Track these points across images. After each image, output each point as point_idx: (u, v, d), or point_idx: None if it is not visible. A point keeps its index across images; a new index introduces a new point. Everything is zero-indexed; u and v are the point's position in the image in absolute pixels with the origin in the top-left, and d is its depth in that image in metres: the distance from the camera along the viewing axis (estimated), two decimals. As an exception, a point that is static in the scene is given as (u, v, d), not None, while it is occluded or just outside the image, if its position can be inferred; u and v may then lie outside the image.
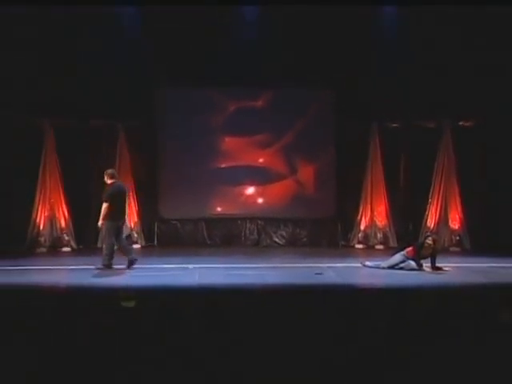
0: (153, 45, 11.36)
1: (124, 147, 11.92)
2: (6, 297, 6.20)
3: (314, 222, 12.33)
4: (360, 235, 12.05)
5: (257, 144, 12.27)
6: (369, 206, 11.99)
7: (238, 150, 12.31)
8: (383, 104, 11.55)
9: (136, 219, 12.01)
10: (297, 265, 9.45)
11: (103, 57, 11.07)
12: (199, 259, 9.83)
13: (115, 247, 8.69)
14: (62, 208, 11.55)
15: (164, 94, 12.16)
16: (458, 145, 11.81)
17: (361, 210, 12.05)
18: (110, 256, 8.60)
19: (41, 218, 11.40)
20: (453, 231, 11.82)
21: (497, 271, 8.78)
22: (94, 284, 7.66)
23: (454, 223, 11.82)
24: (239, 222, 12.41)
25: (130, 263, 8.62)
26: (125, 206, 8.99)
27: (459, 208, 11.79)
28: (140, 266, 8.88)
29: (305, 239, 12.35)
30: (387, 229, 11.93)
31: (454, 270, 8.73)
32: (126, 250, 8.76)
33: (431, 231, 11.21)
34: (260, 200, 12.40)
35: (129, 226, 11.77)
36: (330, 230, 12.26)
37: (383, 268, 8.74)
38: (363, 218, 12.03)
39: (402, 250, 8.87)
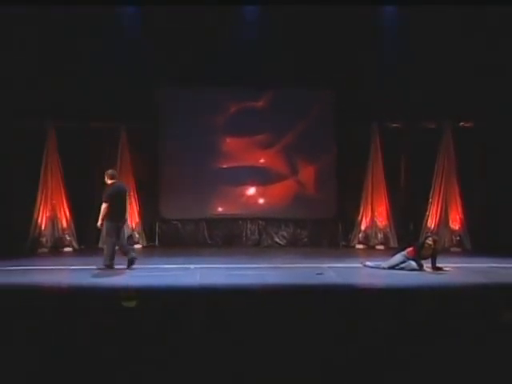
0: (155, 45, 11.36)
1: (125, 147, 11.92)
2: (7, 297, 6.22)
3: (314, 222, 12.33)
4: (361, 235, 12.05)
5: (258, 144, 12.28)
6: (369, 207, 11.99)
7: (238, 151, 12.31)
8: (384, 104, 11.55)
9: (137, 219, 12.02)
10: (297, 265, 9.45)
11: (104, 57, 11.09)
12: (200, 259, 9.83)
13: (116, 247, 8.71)
14: (63, 208, 11.57)
15: (165, 94, 12.15)
16: (458, 145, 11.81)
17: (361, 211, 12.04)
18: (111, 256, 8.62)
19: (42, 219, 11.42)
20: (453, 231, 11.82)
21: (497, 271, 8.78)
22: (96, 284, 7.68)
23: (455, 223, 11.83)
24: (240, 222, 12.40)
25: (130, 262, 8.63)
26: (125, 207, 9.00)
27: (460, 208, 11.79)
28: (141, 266, 8.90)
29: (306, 239, 12.35)
30: (388, 229, 11.94)
31: (455, 270, 8.73)
32: (125, 250, 8.76)
33: (431, 232, 11.23)
34: (261, 200, 12.40)
35: (130, 226, 11.80)
36: (330, 231, 12.26)
37: (384, 268, 8.74)
38: (364, 219, 12.02)
39: (403, 250, 8.88)
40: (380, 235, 11.95)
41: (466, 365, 3.86)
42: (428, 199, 11.92)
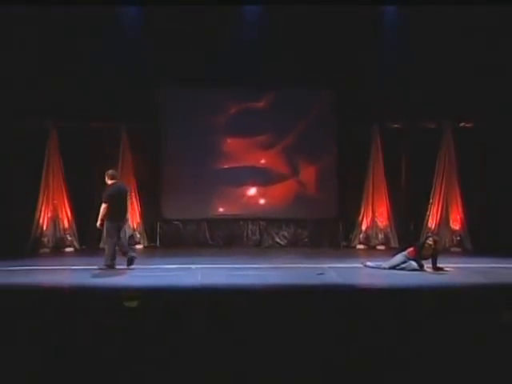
0: (155, 45, 11.36)
1: (126, 148, 11.94)
2: (9, 297, 6.24)
3: (315, 222, 12.33)
4: (361, 236, 12.05)
5: (258, 145, 12.29)
6: (370, 207, 11.99)
7: (239, 151, 12.32)
8: (384, 104, 11.56)
9: (138, 220, 12.03)
10: (298, 265, 9.46)
11: (104, 57, 11.09)
12: (201, 259, 9.83)
13: (116, 247, 8.74)
14: (65, 209, 11.59)
15: (165, 94, 12.16)
16: (458, 145, 11.82)
17: (362, 211, 12.05)
18: (113, 256, 8.64)
19: (44, 219, 11.44)
20: (454, 232, 11.83)
21: (497, 271, 8.78)
22: (97, 284, 7.69)
23: (455, 224, 11.83)
24: (241, 222, 12.41)
25: (129, 262, 8.64)
26: (125, 207, 9.01)
27: (460, 209, 11.80)
28: (142, 266, 8.93)
29: (306, 240, 12.35)
30: (388, 229, 11.95)
31: (455, 270, 8.74)
32: (124, 250, 8.77)
33: (432, 232, 11.24)
34: (262, 201, 12.41)
35: (131, 226, 11.83)
36: (331, 231, 12.26)
37: (384, 268, 8.76)
38: (364, 219, 12.03)
39: (404, 250, 8.89)
40: (381, 235, 11.96)
41: (466, 365, 3.86)
42: (428, 199, 11.92)
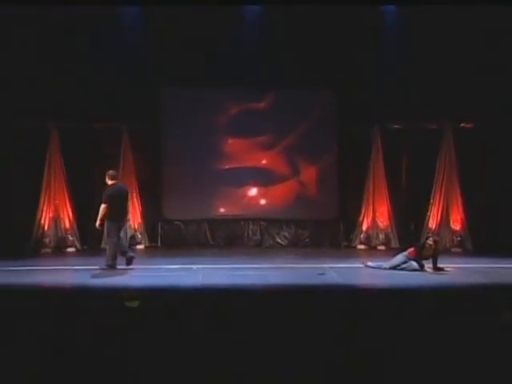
0: (157, 45, 11.38)
1: (128, 148, 11.94)
2: (11, 297, 6.25)
3: (316, 222, 12.34)
4: (362, 236, 12.06)
5: (259, 145, 12.30)
6: (371, 207, 12.00)
7: (240, 151, 12.33)
8: (384, 105, 11.57)
9: (140, 220, 12.04)
10: (299, 265, 9.47)
11: (104, 57, 11.10)
12: (202, 260, 9.84)
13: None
14: (66, 209, 11.61)
15: (167, 94, 12.17)
16: (459, 146, 11.83)
17: (363, 211, 12.05)
18: (114, 256, 8.65)
19: (45, 219, 11.46)
20: (454, 232, 11.83)
21: (498, 272, 8.80)
22: (98, 284, 7.70)
23: (456, 224, 11.84)
24: (242, 222, 12.42)
25: (128, 261, 8.66)
26: (125, 207, 9.01)
27: (461, 209, 11.80)
28: (144, 266, 8.95)
29: (307, 240, 12.36)
30: (389, 229, 11.95)
31: (456, 270, 8.74)
32: (123, 250, 8.79)
33: (433, 232, 11.24)
34: (263, 201, 12.42)
35: (132, 226, 11.84)
36: (332, 231, 12.27)
37: (385, 269, 8.77)
38: (365, 219, 12.03)
39: (404, 250, 8.90)
40: (381, 236, 11.97)
41: (467, 365, 3.87)
42: (429, 200, 11.93)
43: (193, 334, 4.29)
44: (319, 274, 8.25)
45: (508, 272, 8.76)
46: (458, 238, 11.78)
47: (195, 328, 4.41)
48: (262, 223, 12.41)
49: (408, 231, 12.02)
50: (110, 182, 8.83)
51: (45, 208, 11.48)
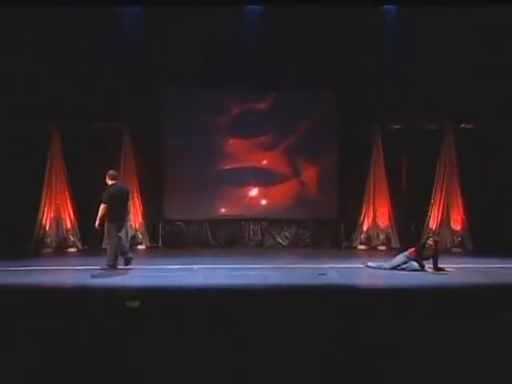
0: (157, 45, 11.39)
1: (129, 148, 11.95)
2: (12, 297, 6.26)
3: (317, 223, 12.34)
4: (362, 236, 12.06)
5: (260, 146, 12.29)
6: (371, 207, 12.00)
7: (241, 152, 12.34)
8: (385, 105, 11.57)
9: (140, 220, 12.05)
10: (300, 265, 9.46)
11: (104, 57, 11.11)
12: (203, 260, 9.85)
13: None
14: (67, 209, 11.62)
15: (168, 95, 12.18)
16: (459, 146, 11.83)
17: (363, 211, 12.05)
18: (115, 256, 8.67)
19: (47, 219, 11.48)
20: (455, 232, 11.84)
21: (498, 272, 8.80)
22: (99, 284, 7.72)
23: (456, 224, 11.84)
24: (243, 223, 12.43)
25: (126, 262, 8.69)
26: (125, 207, 9.01)
27: (461, 209, 11.80)
28: (145, 266, 8.97)
29: (308, 240, 12.36)
30: (389, 230, 11.95)
31: (456, 270, 8.75)
32: (123, 250, 8.80)
33: (433, 232, 11.25)
34: (263, 201, 12.42)
35: (134, 226, 11.86)
36: (332, 231, 12.26)
37: (386, 269, 8.78)
38: (366, 219, 12.03)
39: (405, 250, 8.91)
40: (382, 236, 11.97)
41: (467, 365, 3.87)
42: (429, 200, 11.93)
43: (193, 334, 4.29)
44: (320, 274, 8.25)
45: (508, 272, 8.76)
46: (459, 238, 11.78)
47: (195, 328, 4.42)
48: (263, 223, 12.42)
49: (408, 231, 12.02)
50: (110, 182, 8.85)
51: (46, 208, 11.50)
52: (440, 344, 4.13)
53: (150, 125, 12.00)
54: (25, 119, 11.10)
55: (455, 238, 11.81)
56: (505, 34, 10.84)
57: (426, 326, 4.48)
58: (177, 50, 11.41)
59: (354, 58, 11.51)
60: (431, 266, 8.54)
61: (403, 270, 8.64)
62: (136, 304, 5.28)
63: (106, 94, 11.28)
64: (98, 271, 8.52)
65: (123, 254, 8.73)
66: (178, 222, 12.35)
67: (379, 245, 11.95)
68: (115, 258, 8.66)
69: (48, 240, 11.45)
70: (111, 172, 8.99)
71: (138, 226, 12.01)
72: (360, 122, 11.87)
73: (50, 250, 11.36)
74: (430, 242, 8.64)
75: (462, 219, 11.80)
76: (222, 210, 12.38)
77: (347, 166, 12.13)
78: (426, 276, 8.30)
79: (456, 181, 11.82)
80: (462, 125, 11.96)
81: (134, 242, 11.74)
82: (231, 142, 12.37)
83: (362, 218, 12.07)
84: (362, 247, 11.99)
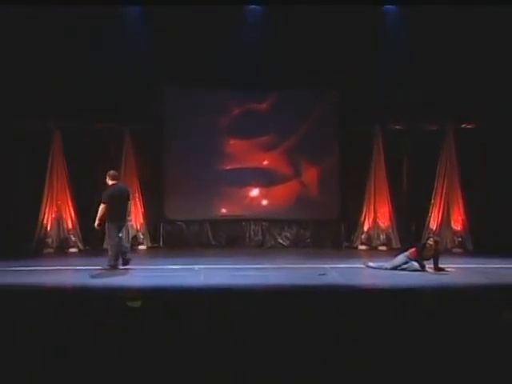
0: (157, 45, 11.40)
1: (129, 148, 11.96)
2: (13, 297, 6.27)
3: (317, 223, 12.35)
4: (363, 236, 12.07)
5: (261, 146, 12.30)
6: (372, 208, 12.01)
7: (242, 152, 12.34)
8: (385, 105, 11.57)
9: (141, 220, 12.05)
10: (300, 266, 9.45)
11: (104, 57, 11.10)
12: (204, 260, 9.86)
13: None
14: (68, 209, 11.63)
15: (168, 95, 12.18)
16: (460, 147, 11.82)
17: (364, 212, 12.06)
18: (116, 256, 8.67)
19: (48, 219, 11.50)
20: (455, 232, 11.84)
21: (498, 272, 8.80)
22: (100, 284, 7.72)
23: (457, 224, 11.84)
24: (244, 223, 12.43)
25: (125, 262, 8.70)
26: (125, 207, 8.98)
27: (461, 209, 11.81)
28: (146, 266, 8.97)
29: (308, 240, 12.37)
30: (390, 230, 11.96)
31: (456, 270, 8.75)
32: (123, 250, 8.81)
33: (433, 232, 11.26)
34: (264, 201, 12.43)
35: (135, 227, 11.86)
36: (333, 232, 12.27)
37: (386, 269, 8.78)
38: (366, 220, 12.04)
39: (405, 251, 8.91)
40: (382, 236, 11.98)
41: (467, 365, 3.88)
42: (430, 200, 11.94)
43: (193, 334, 4.30)
44: (320, 275, 8.25)
45: (508, 272, 8.76)
46: (459, 239, 11.79)
47: (195, 328, 4.42)
48: (264, 224, 12.42)
49: (409, 232, 12.03)
50: (110, 182, 8.84)
51: (47, 208, 11.51)
52: (440, 344, 4.13)
53: (150, 125, 12.00)
54: (25, 119, 11.12)
55: (455, 238, 11.81)
56: (505, 34, 10.83)
57: (427, 326, 4.48)
58: (177, 49, 11.42)
59: (354, 58, 11.52)
60: (432, 266, 8.54)
61: (404, 270, 8.65)
62: (137, 304, 5.28)
63: (107, 94, 11.29)
64: (99, 271, 8.52)
65: (122, 255, 8.74)
66: (179, 222, 12.36)
67: (380, 245, 11.96)
68: (116, 259, 8.67)
69: (49, 240, 11.47)
70: (112, 172, 8.99)
71: (139, 227, 12.02)
72: (360, 123, 11.87)
73: (51, 250, 11.38)
74: (431, 242, 8.64)
75: (462, 219, 11.81)
76: (223, 211, 12.39)
77: (348, 167, 12.14)
78: (426, 276, 8.29)
79: (456, 181, 11.83)
80: (463, 125, 11.96)
81: (135, 242, 11.75)
82: (232, 142, 12.38)
83: (362, 219, 12.08)
84: (363, 247, 12.00)
